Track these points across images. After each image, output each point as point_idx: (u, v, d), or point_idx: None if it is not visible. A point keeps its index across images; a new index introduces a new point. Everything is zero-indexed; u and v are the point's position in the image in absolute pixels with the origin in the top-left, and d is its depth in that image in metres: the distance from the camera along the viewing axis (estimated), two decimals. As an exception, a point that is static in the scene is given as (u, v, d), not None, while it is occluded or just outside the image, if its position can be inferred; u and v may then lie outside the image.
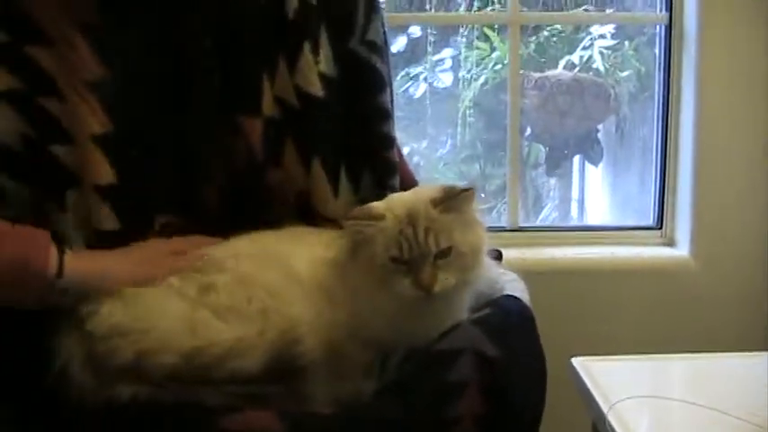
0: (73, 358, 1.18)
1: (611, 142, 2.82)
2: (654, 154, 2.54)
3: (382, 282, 1.19)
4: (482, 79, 2.72)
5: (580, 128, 2.79)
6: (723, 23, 2.32)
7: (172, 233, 1.33)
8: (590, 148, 2.84)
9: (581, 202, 2.97)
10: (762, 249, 2.39)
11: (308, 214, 1.39)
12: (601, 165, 2.87)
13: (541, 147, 2.87)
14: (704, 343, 1.62)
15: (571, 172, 2.92)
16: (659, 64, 2.51)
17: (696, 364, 1.48)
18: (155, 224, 1.32)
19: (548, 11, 2.70)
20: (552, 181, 2.97)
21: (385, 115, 1.42)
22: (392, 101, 1.45)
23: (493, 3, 2.63)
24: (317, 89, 1.35)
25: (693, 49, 2.36)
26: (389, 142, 1.43)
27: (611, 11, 2.69)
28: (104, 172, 1.26)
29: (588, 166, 2.89)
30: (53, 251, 1.18)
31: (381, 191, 1.38)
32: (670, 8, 2.44)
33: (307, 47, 1.34)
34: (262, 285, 1.24)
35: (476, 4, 2.66)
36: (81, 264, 1.20)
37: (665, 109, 2.45)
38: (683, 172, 2.43)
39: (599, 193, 2.93)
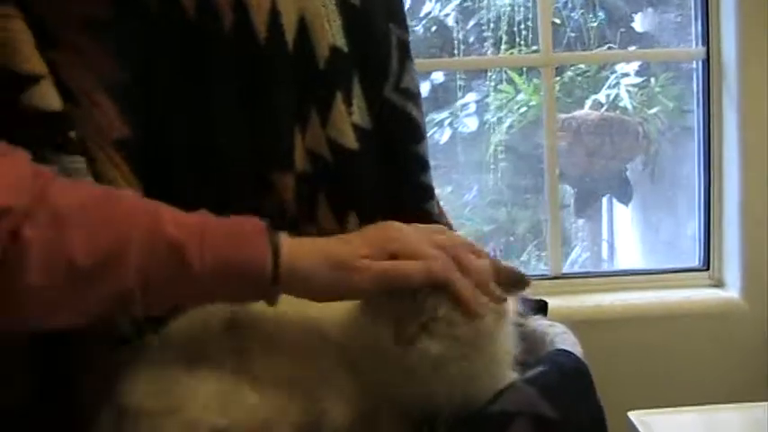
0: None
1: (641, 181, 2.76)
2: (697, 192, 2.46)
3: None
4: (507, 122, 2.67)
5: (609, 167, 2.73)
6: (762, 56, 2.26)
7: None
8: (619, 188, 2.78)
9: (611, 243, 2.91)
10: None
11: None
12: (630, 205, 2.81)
13: (569, 187, 2.82)
14: (760, 387, 1.54)
15: (600, 212, 2.87)
16: (698, 100, 2.44)
17: (753, 414, 1.44)
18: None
19: (572, 50, 2.64)
20: (581, 222, 2.92)
21: (423, 165, 1.36)
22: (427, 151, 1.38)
23: (519, 45, 2.58)
24: (351, 141, 1.28)
25: (734, 83, 2.29)
26: (428, 193, 1.37)
27: (635, 48, 2.64)
28: None
29: (618, 205, 2.83)
30: (268, 254, 1.01)
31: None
32: (707, 42, 2.38)
33: (339, 97, 1.27)
34: (291, 350, 1.16)
35: (502, 47, 2.61)
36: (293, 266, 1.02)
37: (707, 146, 2.38)
38: (728, 210, 2.35)
39: (629, 234, 2.86)
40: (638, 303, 2.31)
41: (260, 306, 1.20)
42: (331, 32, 1.26)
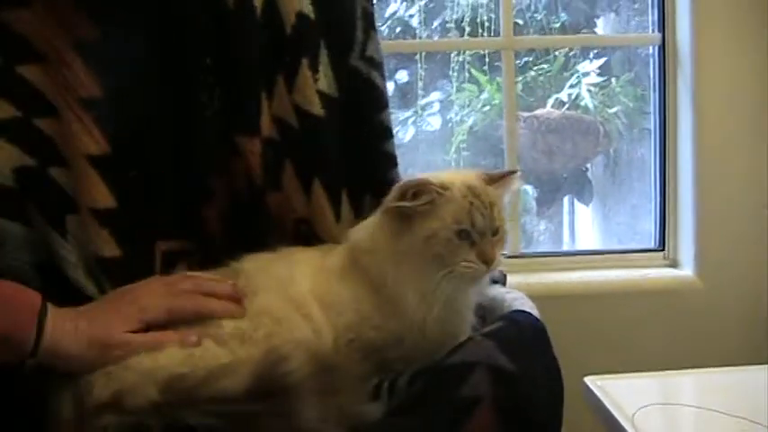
0: (59, 394, 1.13)
1: (602, 180, 2.80)
2: (652, 175, 2.51)
3: (438, 259, 1.16)
4: (471, 120, 2.70)
5: (569, 167, 2.77)
6: (717, 42, 2.32)
7: (174, 261, 1.28)
8: (580, 188, 2.82)
9: (572, 243, 2.94)
10: (764, 265, 2.36)
11: (307, 240, 1.35)
12: (591, 204, 2.84)
13: (530, 189, 2.85)
14: (711, 359, 1.59)
15: (561, 210, 2.90)
16: (654, 84, 2.50)
17: (706, 378, 1.49)
18: (156, 251, 1.28)
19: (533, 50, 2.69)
20: (542, 224, 2.94)
21: (387, 133, 1.39)
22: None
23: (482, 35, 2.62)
24: (316, 108, 1.32)
25: (688, 68, 2.35)
26: (392, 161, 1.40)
27: (596, 52, 2.69)
28: (102, 195, 1.22)
29: (577, 204, 2.86)
30: (32, 331, 1.09)
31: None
32: (663, 29, 2.44)
33: (305, 63, 1.31)
34: (266, 312, 1.19)
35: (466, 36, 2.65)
36: (54, 348, 1.11)
37: (662, 130, 2.44)
38: (683, 192, 2.41)
39: (590, 234, 2.90)
40: (596, 281, 2.35)
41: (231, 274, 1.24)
42: (298, -1, 1.29)
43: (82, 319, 1.14)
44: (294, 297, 1.21)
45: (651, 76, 2.52)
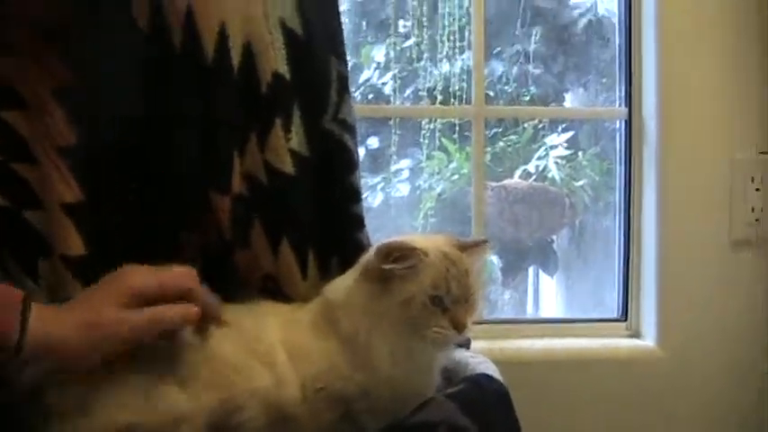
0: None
1: (567, 253, 2.83)
2: (616, 246, 2.55)
3: (411, 323, 1.17)
4: (440, 188, 2.73)
5: (535, 238, 2.80)
6: (682, 117, 2.38)
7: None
8: (545, 259, 2.84)
9: (536, 313, 2.96)
10: (726, 337, 2.41)
11: (273, 297, 1.35)
12: (556, 275, 2.87)
13: (496, 258, 2.87)
14: (671, 429, 1.60)
15: (526, 281, 2.92)
16: (620, 158, 2.55)
17: None
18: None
19: (503, 122, 2.74)
20: (507, 293, 2.96)
21: (356, 196, 1.40)
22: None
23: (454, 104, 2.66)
24: (287, 166, 1.32)
25: (654, 142, 2.40)
26: (360, 223, 1.41)
27: (564, 125, 2.74)
28: (73, 242, 1.22)
29: (542, 275, 2.89)
30: (16, 325, 1.03)
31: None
32: (629, 104, 2.50)
33: (278, 123, 1.32)
34: (228, 359, 1.19)
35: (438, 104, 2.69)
36: (43, 339, 1.05)
37: (627, 203, 2.48)
38: (646, 263, 2.44)
39: (553, 304, 2.92)
40: (558, 348, 2.36)
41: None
42: (275, 58, 1.31)
43: (67, 306, 1.10)
44: (259, 346, 1.21)
45: (617, 150, 2.57)
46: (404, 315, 1.17)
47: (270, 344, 1.20)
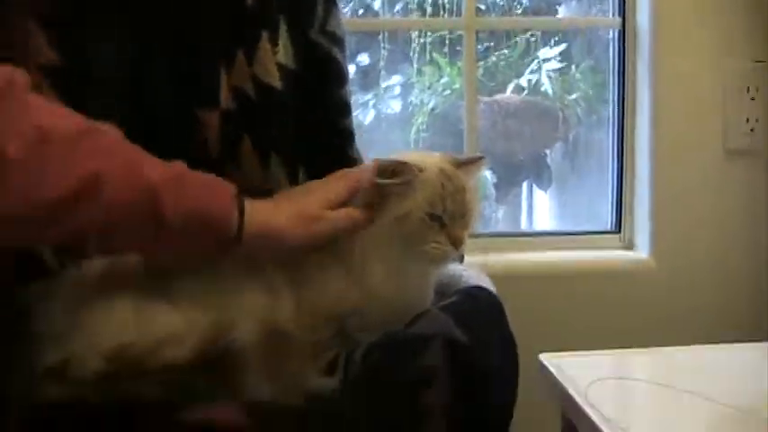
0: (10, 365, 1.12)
1: (560, 167, 2.82)
2: (610, 158, 2.56)
3: (408, 239, 1.18)
4: (432, 103, 2.70)
5: (529, 152, 2.79)
6: (676, 25, 2.35)
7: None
8: (539, 174, 2.83)
9: (530, 227, 2.96)
10: (719, 247, 2.43)
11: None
12: (549, 190, 2.86)
13: (489, 175, 2.85)
14: (664, 339, 1.62)
15: (520, 196, 2.92)
16: (613, 69, 2.53)
17: (659, 355, 1.53)
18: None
19: (495, 36, 2.71)
20: (501, 209, 2.95)
21: (346, 109, 1.39)
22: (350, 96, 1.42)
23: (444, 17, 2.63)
24: (275, 80, 1.31)
25: (647, 52, 2.38)
26: (350, 138, 1.40)
27: (557, 38, 2.71)
28: None
29: (536, 190, 2.88)
30: (235, 212, 1.11)
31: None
32: (623, 13, 2.47)
33: (265, 36, 1.30)
34: (222, 278, 1.19)
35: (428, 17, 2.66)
36: (260, 227, 1.14)
37: (621, 115, 2.47)
38: (640, 176, 2.45)
39: (547, 219, 2.92)
40: (552, 261, 2.38)
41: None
42: (259, -29, 1.29)
43: (279, 199, 1.20)
44: (253, 265, 1.21)
45: (611, 61, 2.55)
46: (401, 232, 1.17)
47: (264, 263, 1.20)
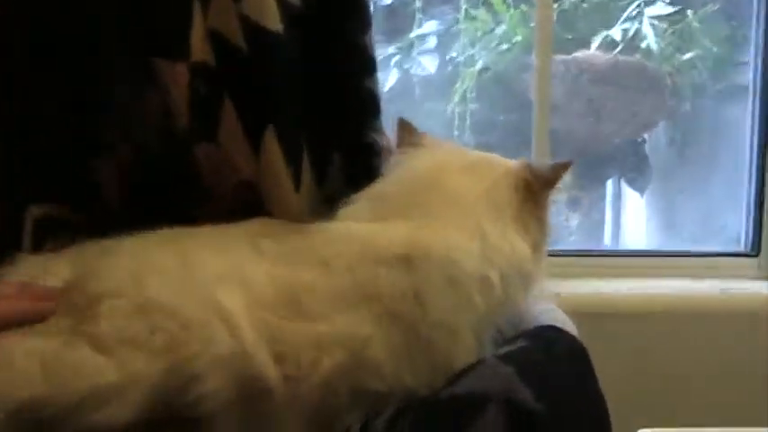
0: None
1: (665, 158, 2.82)
2: (747, 148, 2.54)
3: None
4: (480, 64, 2.72)
5: (620, 136, 2.79)
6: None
7: (50, 231, 1.29)
8: (632, 167, 2.84)
9: (616, 243, 2.96)
10: None
11: (250, 215, 1.34)
12: (647, 192, 2.87)
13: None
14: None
15: (603, 200, 2.92)
16: (756, 17, 2.52)
17: None
18: (26, 217, 1.28)
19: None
20: (576, 216, 2.96)
21: (369, 65, 1.39)
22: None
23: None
24: (273, 21, 1.31)
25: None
26: (374, 105, 1.40)
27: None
28: None
29: (628, 191, 2.89)
30: None
31: (359, 179, 1.34)
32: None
33: (258, -41, 1.31)
34: (172, 313, 1.19)
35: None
36: None
37: (764, 81, 2.46)
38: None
39: (642, 231, 2.92)
40: (653, 294, 2.38)
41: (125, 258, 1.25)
42: None
43: None
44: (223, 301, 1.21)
45: (755, 5, 2.53)
46: None
47: (246, 286, 1.20)
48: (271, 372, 1.15)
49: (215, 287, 1.20)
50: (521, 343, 1.22)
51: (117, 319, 1.16)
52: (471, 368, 1.16)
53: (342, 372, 1.17)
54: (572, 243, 2.84)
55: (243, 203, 1.34)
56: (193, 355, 1.14)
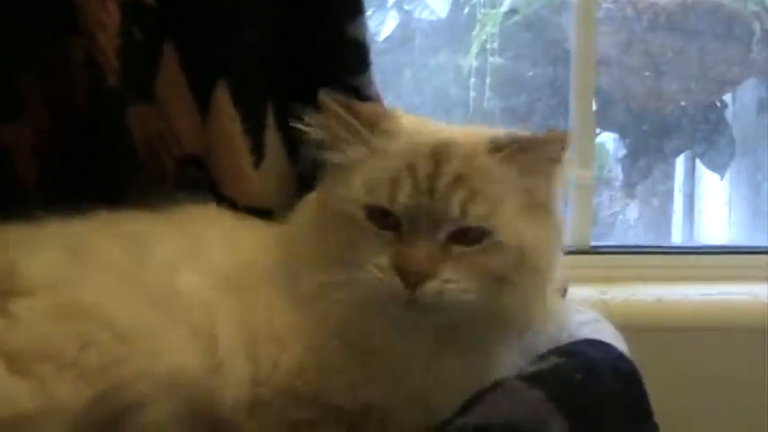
0: None
1: (752, 129, 2.82)
2: None
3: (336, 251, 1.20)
4: (504, 5, 2.73)
5: (692, 100, 2.79)
6: None
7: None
8: (710, 139, 2.83)
9: (689, 236, 2.96)
10: None
11: (197, 195, 1.36)
12: (728, 173, 2.86)
13: (614, 137, 2.86)
14: None
15: (671, 182, 2.92)
16: None
17: None
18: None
19: None
20: (635, 203, 2.95)
21: (355, 6, 1.41)
22: None
23: None
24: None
25: None
26: (360, 58, 1.42)
27: None
28: None
29: (703, 172, 2.88)
30: None
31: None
32: None
33: None
34: (104, 320, 1.22)
35: None
36: None
37: None
38: None
39: (723, 222, 2.92)
40: (733, 302, 2.41)
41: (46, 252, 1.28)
42: None
43: None
44: (177, 297, 1.24)
45: None
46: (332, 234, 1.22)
47: (195, 294, 1.23)
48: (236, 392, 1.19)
49: (171, 275, 1.23)
50: (553, 360, 1.24)
51: (36, 325, 1.18)
52: (491, 390, 1.19)
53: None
54: (630, 238, 2.84)
55: (186, 181, 1.36)
56: (131, 375, 1.17)
